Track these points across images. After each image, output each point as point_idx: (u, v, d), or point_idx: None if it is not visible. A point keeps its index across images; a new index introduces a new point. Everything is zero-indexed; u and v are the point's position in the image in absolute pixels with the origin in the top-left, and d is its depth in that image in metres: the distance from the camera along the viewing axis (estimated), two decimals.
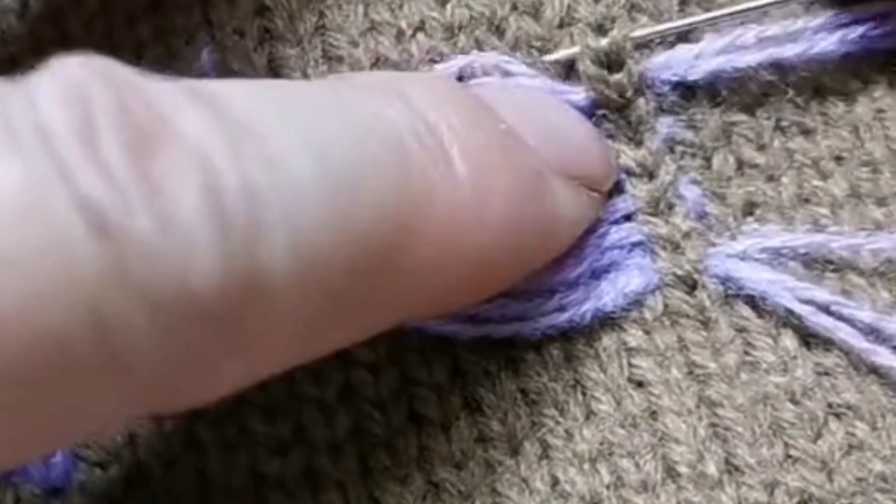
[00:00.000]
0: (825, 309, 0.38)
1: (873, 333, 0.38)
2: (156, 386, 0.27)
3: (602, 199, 0.38)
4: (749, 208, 0.39)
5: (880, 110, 0.40)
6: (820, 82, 0.40)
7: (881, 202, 0.39)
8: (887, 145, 0.40)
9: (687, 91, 0.39)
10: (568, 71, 0.39)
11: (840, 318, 0.38)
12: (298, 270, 0.28)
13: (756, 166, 0.39)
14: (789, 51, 0.39)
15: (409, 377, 0.37)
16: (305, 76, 0.39)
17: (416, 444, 0.37)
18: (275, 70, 0.39)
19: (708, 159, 0.39)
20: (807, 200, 0.39)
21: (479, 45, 0.39)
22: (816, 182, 0.39)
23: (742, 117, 0.40)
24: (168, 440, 0.36)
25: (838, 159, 0.40)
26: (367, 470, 0.36)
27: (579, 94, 0.38)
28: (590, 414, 0.37)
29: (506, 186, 0.33)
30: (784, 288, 0.38)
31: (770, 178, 0.39)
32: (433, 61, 0.39)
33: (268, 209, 0.27)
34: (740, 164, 0.39)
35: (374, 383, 0.37)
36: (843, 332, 0.38)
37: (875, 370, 0.38)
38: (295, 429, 0.36)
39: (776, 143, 0.39)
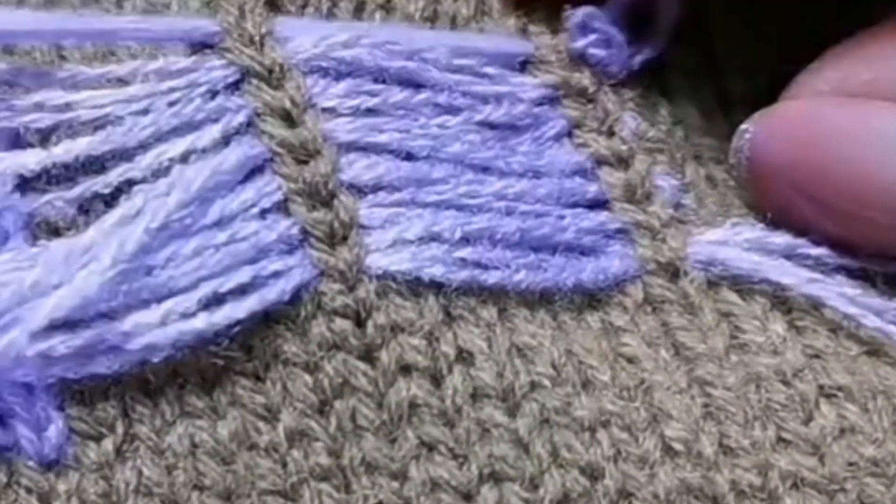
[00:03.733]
0: (813, 282, 0.38)
1: (860, 305, 0.38)
2: None
3: None
4: (726, 211, 0.39)
5: None
6: None
7: None
8: None
9: (644, 88, 0.40)
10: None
11: (827, 290, 0.38)
12: None
13: (729, 183, 0.40)
14: None
15: (397, 323, 0.36)
16: None
17: (407, 399, 0.35)
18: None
19: (681, 163, 0.40)
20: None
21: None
22: None
23: (708, 141, 0.40)
24: (161, 410, 0.35)
25: None
26: (358, 428, 0.35)
27: None
28: (587, 382, 0.36)
29: None
30: (771, 265, 0.38)
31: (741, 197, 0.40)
32: None
33: None
34: (711, 180, 0.40)
35: (360, 332, 0.36)
36: (833, 300, 0.38)
37: (865, 350, 0.38)
38: (282, 391, 0.35)
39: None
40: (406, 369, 0.36)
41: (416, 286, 0.36)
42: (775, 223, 0.39)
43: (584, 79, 0.39)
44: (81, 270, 0.33)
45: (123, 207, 0.35)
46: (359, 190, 0.36)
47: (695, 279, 0.38)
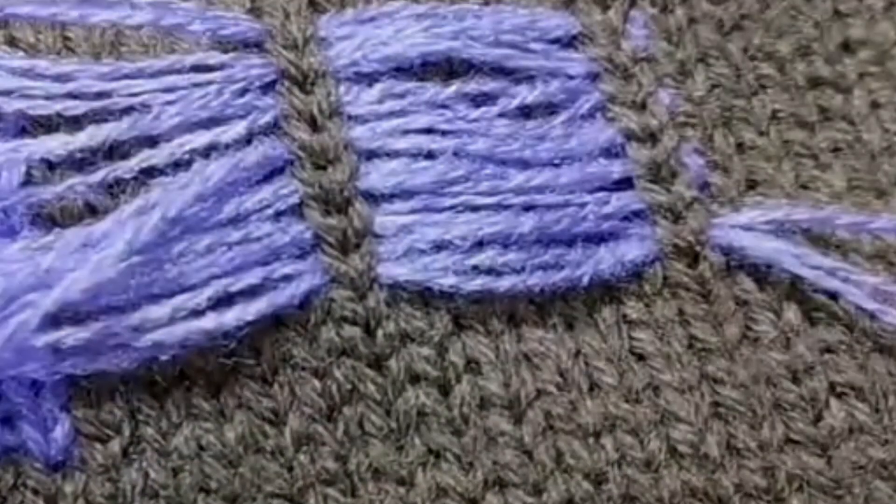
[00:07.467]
0: (832, 273, 0.38)
1: (880, 298, 0.38)
2: None
3: None
4: (752, 184, 0.39)
5: (875, 102, 0.40)
6: (817, 73, 0.40)
7: (880, 194, 0.39)
8: (884, 137, 0.40)
9: (683, 66, 0.39)
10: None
11: (846, 282, 0.38)
12: None
13: (755, 148, 0.39)
14: None
15: (407, 332, 0.36)
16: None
17: (415, 407, 0.36)
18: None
19: (710, 135, 0.39)
20: (806, 187, 0.39)
21: None
22: (815, 172, 0.39)
23: (740, 102, 0.39)
24: (167, 412, 0.35)
25: (836, 151, 0.39)
26: (365, 435, 0.35)
27: None
28: (593, 385, 0.36)
29: None
30: (790, 255, 0.37)
31: (769, 160, 0.39)
32: None
33: None
34: (741, 145, 0.39)
35: (369, 340, 0.36)
36: (851, 294, 0.37)
37: (879, 347, 0.37)
38: (289, 395, 0.35)
39: (773, 131, 0.39)
40: (415, 378, 0.36)
41: (426, 296, 0.36)
42: None
43: (624, 55, 0.39)
44: (95, 257, 0.33)
45: (141, 198, 0.34)
46: (375, 198, 0.36)
47: (713, 264, 0.38)
